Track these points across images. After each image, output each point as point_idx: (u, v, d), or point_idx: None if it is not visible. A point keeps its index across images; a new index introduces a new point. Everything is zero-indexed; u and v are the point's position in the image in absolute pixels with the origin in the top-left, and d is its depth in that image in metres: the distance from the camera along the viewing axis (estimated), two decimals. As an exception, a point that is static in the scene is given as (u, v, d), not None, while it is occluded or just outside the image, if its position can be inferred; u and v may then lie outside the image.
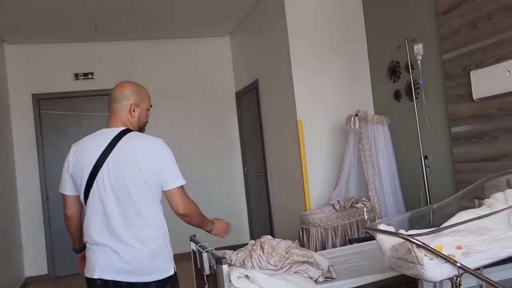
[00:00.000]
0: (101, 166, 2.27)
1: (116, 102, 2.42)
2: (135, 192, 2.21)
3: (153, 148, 2.28)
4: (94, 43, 6.66)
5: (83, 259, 2.46)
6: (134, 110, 2.38)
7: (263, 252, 2.87)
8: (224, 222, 2.57)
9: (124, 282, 2.21)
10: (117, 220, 2.22)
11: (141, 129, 2.44)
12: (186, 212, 2.29)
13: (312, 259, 2.76)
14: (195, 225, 2.43)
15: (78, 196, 2.38)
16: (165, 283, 2.25)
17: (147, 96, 2.48)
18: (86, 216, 2.33)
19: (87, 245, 2.33)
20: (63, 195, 2.44)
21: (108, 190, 2.23)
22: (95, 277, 2.23)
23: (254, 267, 2.81)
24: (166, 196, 2.29)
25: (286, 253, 2.87)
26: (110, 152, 2.28)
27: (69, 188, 2.41)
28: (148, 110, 2.47)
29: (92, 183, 2.27)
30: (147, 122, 2.48)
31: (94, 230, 2.27)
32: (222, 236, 2.55)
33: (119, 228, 2.21)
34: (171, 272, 2.28)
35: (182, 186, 2.29)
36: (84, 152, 2.40)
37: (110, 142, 2.31)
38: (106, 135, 2.36)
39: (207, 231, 2.50)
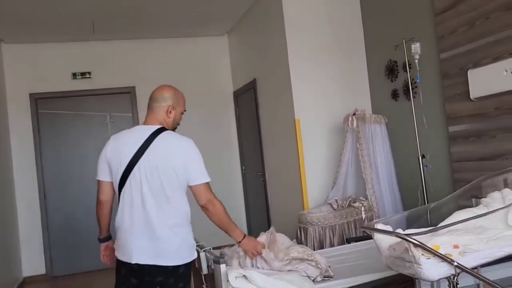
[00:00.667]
0: (137, 160, 2.49)
1: (156, 102, 2.63)
2: (168, 186, 2.47)
3: (185, 147, 2.55)
4: (92, 43, 6.65)
5: (107, 249, 2.78)
6: (170, 112, 2.63)
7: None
8: (255, 241, 2.81)
9: (156, 265, 2.46)
10: (150, 209, 2.47)
11: (174, 129, 2.71)
12: (206, 204, 2.55)
13: (311, 257, 2.76)
14: (220, 225, 2.66)
15: (112, 183, 2.58)
16: (189, 266, 2.55)
17: (183, 100, 2.72)
18: (120, 205, 2.55)
19: (119, 232, 2.57)
20: (98, 181, 2.63)
21: (144, 183, 2.47)
22: (133, 262, 2.49)
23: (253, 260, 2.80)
24: (191, 190, 2.55)
25: (287, 249, 2.87)
26: (147, 147, 2.50)
27: (104, 174, 2.59)
28: (182, 113, 2.73)
29: (128, 174, 2.49)
30: (179, 124, 2.75)
31: (125, 217, 2.51)
32: (249, 254, 2.79)
33: (152, 216, 2.46)
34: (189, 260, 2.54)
35: (206, 183, 2.55)
36: (122, 144, 2.57)
37: (148, 138, 2.52)
38: (144, 131, 2.56)
39: (236, 241, 2.76)
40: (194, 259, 2.59)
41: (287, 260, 2.77)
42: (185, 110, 2.77)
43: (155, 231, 2.45)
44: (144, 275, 2.50)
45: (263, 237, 2.87)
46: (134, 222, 2.48)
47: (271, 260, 2.78)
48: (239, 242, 2.75)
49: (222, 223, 2.64)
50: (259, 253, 2.78)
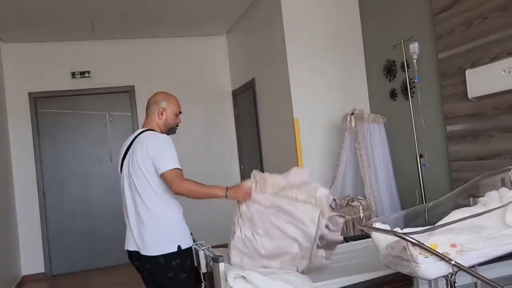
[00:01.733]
0: (123, 161, 2.87)
1: (149, 107, 2.95)
2: (139, 183, 2.75)
3: (154, 142, 2.76)
4: (91, 42, 6.65)
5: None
6: (162, 113, 2.91)
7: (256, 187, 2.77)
8: (241, 187, 2.85)
9: (139, 253, 2.78)
10: (135, 204, 2.79)
11: (169, 130, 2.97)
12: (179, 192, 2.70)
13: (311, 200, 2.69)
14: (201, 198, 2.82)
15: None
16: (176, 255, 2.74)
17: (174, 103, 2.98)
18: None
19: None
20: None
21: (125, 180, 2.83)
22: (125, 248, 2.88)
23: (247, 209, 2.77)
24: (163, 181, 2.72)
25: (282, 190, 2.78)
26: (129, 148, 2.85)
27: None
28: (177, 115, 2.98)
29: (121, 173, 2.89)
30: (176, 125, 3.01)
31: (124, 210, 2.89)
32: (242, 201, 2.83)
33: (137, 210, 2.78)
34: (182, 247, 2.76)
35: (173, 170, 2.68)
36: (122, 147, 2.96)
37: (132, 140, 2.87)
38: (134, 134, 2.92)
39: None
40: (181, 252, 2.75)
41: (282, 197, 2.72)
42: (180, 112, 2.99)
43: (143, 222, 2.76)
44: (134, 260, 2.86)
45: (248, 182, 2.82)
46: (128, 215, 2.84)
47: (263, 200, 2.72)
48: (226, 197, 2.81)
49: (202, 196, 2.80)
50: (251, 196, 2.79)
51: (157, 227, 2.75)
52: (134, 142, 2.84)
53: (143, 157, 2.73)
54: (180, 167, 2.73)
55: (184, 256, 2.80)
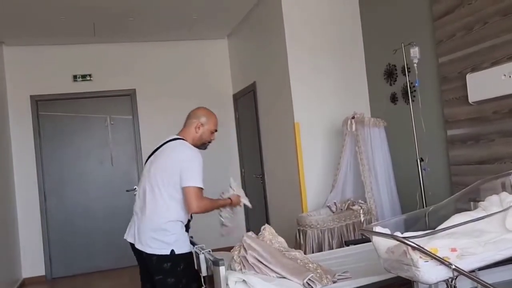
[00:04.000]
0: (150, 157, 3.07)
1: (189, 119, 3.13)
2: (156, 185, 2.90)
3: (184, 151, 2.95)
4: (93, 45, 6.67)
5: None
6: (199, 128, 3.08)
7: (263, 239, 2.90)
8: (237, 196, 3.23)
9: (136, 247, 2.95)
10: (148, 201, 2.93)
11: (202, 145, 3.11)
12: (195, 212, 2.92)
13: (319, 270, 2.74)
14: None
15: None
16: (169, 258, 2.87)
17: (213, 120, 3.15)
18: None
19: None
20: None
21: (146, 176, 2.98)
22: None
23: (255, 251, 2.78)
24: (183, 191, 2.88)
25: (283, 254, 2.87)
26: (156, 151, 3.05)
27: None
28: (213, 132, 3.14)
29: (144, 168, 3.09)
30: (209, 142, 3.17)
31: (136, 204, 3.06)
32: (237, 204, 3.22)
33: (147, 208, 2.93)
34: (176, 252, 2.89)
35: (194, 188, 2.85)
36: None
37: (162, 144, 3.05)
38: (166, 138, 3.09)
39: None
40: (173, 257, 2.87)
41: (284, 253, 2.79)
42: (216, 130, 3.17)
43: (145, 219, 2.92)
44: (133, 250, 3.02)
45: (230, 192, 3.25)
46: (137, 207, 3.01)
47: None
48: (231, 203, 3.18)
49: (212, 210, 3.10)
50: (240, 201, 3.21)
51: (156, 229, 2.89)
52: (166, 145, 3.01)
53: (171, 162, 2.90)
54: (202, 186, 2.89)
55: (177, 261, 2.89)
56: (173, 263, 2.88)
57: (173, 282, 2.90)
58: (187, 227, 3.09)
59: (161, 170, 2.92)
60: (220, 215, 3.20)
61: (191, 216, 3.12)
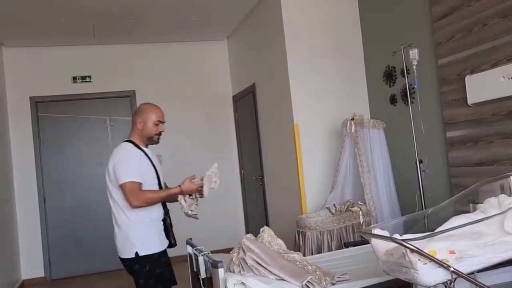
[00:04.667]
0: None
1: (133, 117, 3.12)
2: (110, 189, 3.00)
3: (116, 152, 3.00)
4: (92, 46, 6.68)
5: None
6: (140, 123, 3.04)
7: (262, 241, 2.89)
8: (189, 182, 3.02)
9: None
10: (112, 209, 3.06)
11: (149, 140, 3.07)
12: (136, 207, 2.90)
13: (318, 272, 2.74)
14: (162, 201, 3.04)
15: None
16: (134, 260, 2.92)
17: (154, 112, 3.07)
18: None
19: None
20: None
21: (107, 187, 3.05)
22: None
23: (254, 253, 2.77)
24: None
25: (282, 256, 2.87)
26: None
27: None
28: (157, 124, 3.05)
29: None
30: (156, 134, 3.08)
31: None
32: (196, 193, 3.05)
33: (112, 213, 3.06)
34: (140, 253, 2.92)
35: (127, 183, 2.86)
36: None
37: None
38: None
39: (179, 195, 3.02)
40: (138, 259, 2.92)
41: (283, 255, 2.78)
42: (161, 121, 3.08)
43: (114, 227, 3.04)
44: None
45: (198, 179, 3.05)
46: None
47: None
48: (182, 193, 3.00)
49: (161, 200, 3.02)
50: (200, 187, 3.00)
51: (119, 233, 2.99)
52: None
53: (109, 166, 2.97)
54: (136, 180, 2.87)
55: (142, 262, 2.92)
56: (139, 265, 2.93)
57: (143, 283, 2.95)
58: (167, 222, 3.10)
59: (107, 176, 3.00)
60: (180, 203, 3.06)
61: (165, 210, 3.11)
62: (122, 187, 2.89)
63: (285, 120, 5.10)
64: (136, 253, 2.93)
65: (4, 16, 5.25)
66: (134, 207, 2.90)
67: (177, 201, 3.05)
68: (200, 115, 7.01)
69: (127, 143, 3.05)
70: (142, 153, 3.05)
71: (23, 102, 6.44)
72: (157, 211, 3.05)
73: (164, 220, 3.09)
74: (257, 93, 6.05)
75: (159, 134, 3.09)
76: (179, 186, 3.00)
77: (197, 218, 3.11)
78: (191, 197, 3.08)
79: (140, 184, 2.90)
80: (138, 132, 3.05)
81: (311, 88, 4.98)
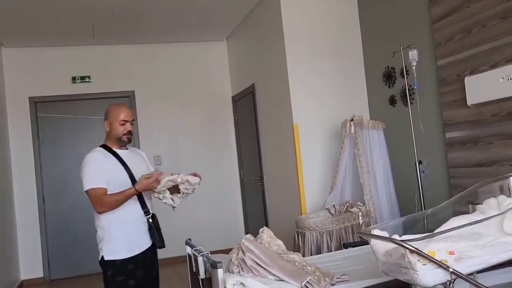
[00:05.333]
0: None
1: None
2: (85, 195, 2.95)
3: (83, 160, 2.95)
4: (92, 47, 6.68)
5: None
6: (108, 125, 3.00)
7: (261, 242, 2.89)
8: (144, 179, 2.89)
9: None
10: None
11: (119, 141, 2.99)
12: (101, 212, 2.89)
13: (317, 273, 2.74)
14: (123, 202, 2.89)
15: None
16: (101, 264, 2.92)
17: (117, 111, 2.99)
18: None
19: None
20: None
21: None
22: None
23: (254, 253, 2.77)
24: None
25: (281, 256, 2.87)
26: None
27: None
28: (123, 124, 2.97)
29: None
30: (124, 134, 2.98)
31: None
32: (152, 189, 2.90)
33: None
34: (105, 258, 2.89)
35: (90, 190, 2.86)
36: None
37: None
38: None
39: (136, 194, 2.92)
40: (103, 263, 2.90)
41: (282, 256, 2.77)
42: (126, 120, 2.99)
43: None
44: None
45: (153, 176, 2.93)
46: None
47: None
48: (137, 191, 2.89)
49: (122, 202, 2.88)
50: (156, 181, 2.86)
51: (98, 235, 2.97)
52: None
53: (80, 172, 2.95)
54: (98, 186, 2.84)
55: (106, 267, 2.91)
56: (104, 269, 2.93)
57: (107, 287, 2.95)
58: (153, 223, 3.01)
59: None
60: (161, 199, 2.96)
61: (145, 210, 2.99)
62: (86, 194, 2.90)
63: (285, 121, 5.11)
64: (102, 257, 2.92)
65: (3, 16, 5.25)
66: (99, 213, 2.90)
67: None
68: (200, 115, 7.01)
69: (98, 148, 3.02)
70: (112, 157, 2.97)
71: (23, 102, 6.43)
72: (132, 213, 2.96)
73: (151, 221, 3.01)
74: (256, 93, 6.05)
75: (128, 133, 3.00)
76: (134, 185, 2.90)
77: (173, 207, 3.04)
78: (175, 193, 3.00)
79: (102, 189, 2.85)
80: (108, 134, 3.02)
81: (310, 88, 4.98)
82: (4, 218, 5.85)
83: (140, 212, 2.99)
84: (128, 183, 2.92)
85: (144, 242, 2.99)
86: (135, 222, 2.97)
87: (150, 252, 3.05)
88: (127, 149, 3.11)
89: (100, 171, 2.88)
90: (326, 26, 5.09)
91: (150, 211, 3.03)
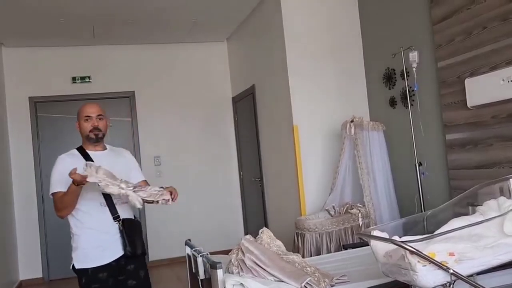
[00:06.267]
0: None
1: None
2: None
3: None
4: (92, 47, 6.68)
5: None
6: (77, 127, 2.97)
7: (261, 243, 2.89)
8: (72, 174, 2.59)
9: None
10: None
11: (88, 139, 2.93)
12: (62, 216, 2.83)
13: (317, 274, 2.74)
14: (73, 200, 2.74)
15: None
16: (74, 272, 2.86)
17: (80, 110, 2.97)
18: None
19: None
20: None
21: None
22: None
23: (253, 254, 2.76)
24: None
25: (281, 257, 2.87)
26: None
27: None
28: (87, 121, 2.92)
29: None
30: (91, 131, 2.92)
31: None
32: (82, 182, 2.59)
33: None
34: (76, 266, 2.83)
35: (52, 196, 2.78)
36: None
37: None
38: None
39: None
40: (75, 271, 2.85)
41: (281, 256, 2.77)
42: (88, 116, 2.93)
43: None
44: None
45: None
46: None
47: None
48: (74, 184, 2.62)
49: (72, 200, 2.72)
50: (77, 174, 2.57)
51: (72, 241, 2.89)
52: None
53: None
54: (56, 190, 2.75)
55: (79, 275, 2.85)
56: (77, 277, 2.87)
57: None
58: (132, 229, 2.86)
59: None
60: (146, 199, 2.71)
61: (114, 216, 2.82)
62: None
63: (285, 122, 5.11)
64: (73, 265, 2.84)
65: (3, 16, 5.25)
66: (59, 217, 2.83)
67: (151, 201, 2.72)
68: (200, 116, 7.01)
69: (71, 150, 2.94)
70: (82, 159, 2.78)
71: (22, 102, 6.43)
72: (100, 220, 2.81)
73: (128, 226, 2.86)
74: (256, 94, 6.05)
75: (94, 129, 2.89)
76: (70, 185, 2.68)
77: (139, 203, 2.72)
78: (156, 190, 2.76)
79: (59, 192, 2.74)
80: (81, 136, 2.96)
81: (310, 89, 4.98)
82: (4, 218, 5.85)
83: (110, 218, 2.82)
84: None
85: (117, 250, 2.82)
86: (105, 229, 2.81)
87: (125, 260, 2.85)
88: (105, 149, 3.01)
89: (58, 175, 2.75)
90: (326, 27, 5.09)
91: (121, 217, 2.84)
